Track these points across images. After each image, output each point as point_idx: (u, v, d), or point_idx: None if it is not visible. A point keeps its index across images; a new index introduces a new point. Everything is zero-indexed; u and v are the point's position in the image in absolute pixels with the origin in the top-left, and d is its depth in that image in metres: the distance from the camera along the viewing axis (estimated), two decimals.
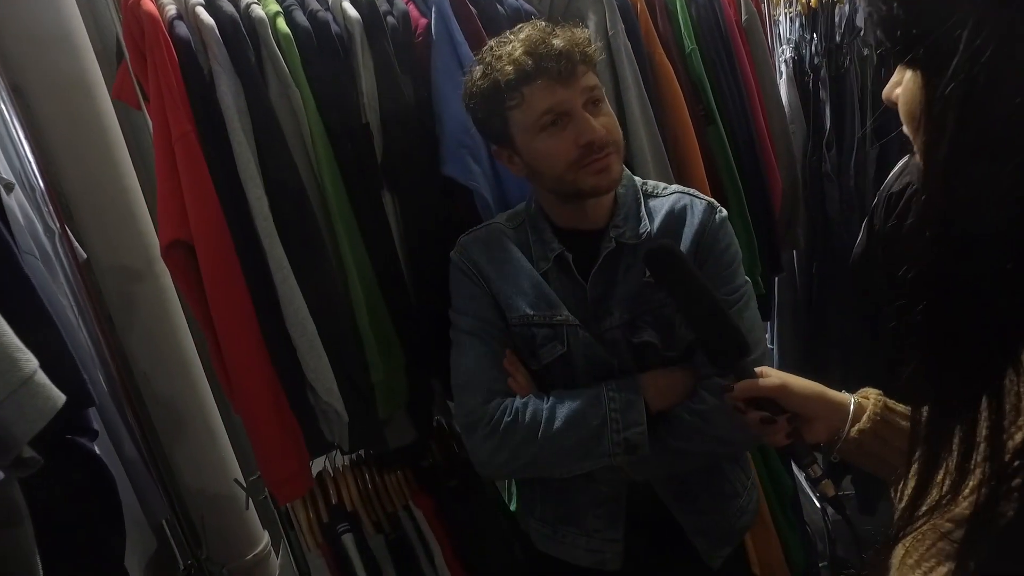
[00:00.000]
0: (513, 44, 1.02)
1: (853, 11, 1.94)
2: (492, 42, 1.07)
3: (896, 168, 1.54)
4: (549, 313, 1.09)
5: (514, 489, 1.51)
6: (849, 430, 0.83)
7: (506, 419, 1.05)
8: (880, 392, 0.86)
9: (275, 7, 1.19)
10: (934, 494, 0.42)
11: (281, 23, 1.16)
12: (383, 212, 1.28)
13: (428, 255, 1.30)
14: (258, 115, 1.13)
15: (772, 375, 0.88)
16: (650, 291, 1.07)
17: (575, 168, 1.02)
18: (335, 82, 1.21)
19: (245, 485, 1.46)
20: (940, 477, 0.42)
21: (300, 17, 1.19)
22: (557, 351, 1.09)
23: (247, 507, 1.64)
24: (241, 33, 1.12)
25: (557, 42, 0.99)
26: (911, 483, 0.43)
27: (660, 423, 1.06)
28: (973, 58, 0.32)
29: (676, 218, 1.10)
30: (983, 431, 0.38)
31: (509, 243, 1.14)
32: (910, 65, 0.40)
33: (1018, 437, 0.38)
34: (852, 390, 0.88)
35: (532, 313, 1.09)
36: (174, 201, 1.10)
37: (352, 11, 1.22)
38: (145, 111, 1.20)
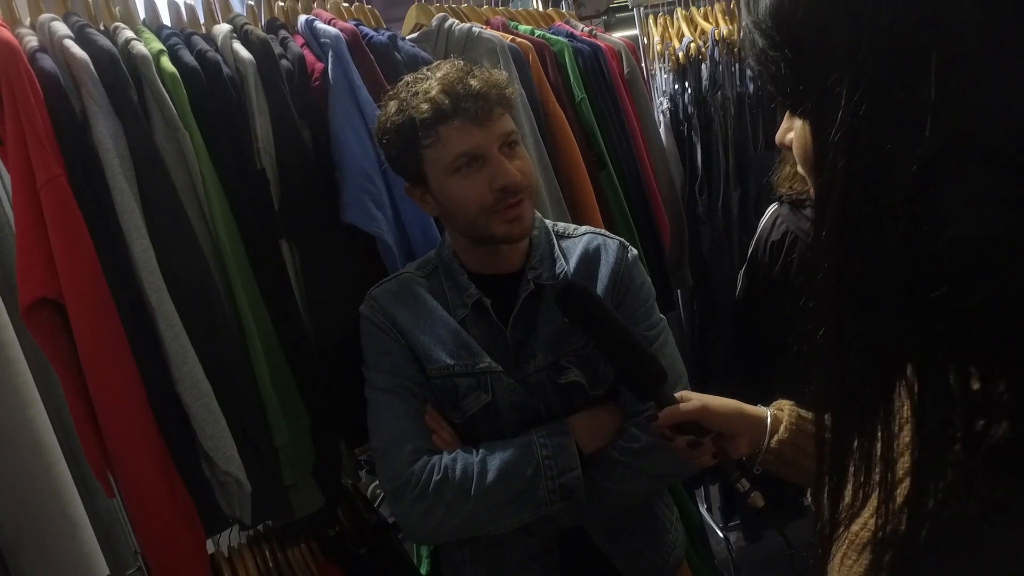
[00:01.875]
0: (430, 82, 1.00)
1: (714, 66, 2.12)
2: (409, 77, 1.05)
3: (767, 216, 1.68)
4: (470, 362, 1.06)
5: (423, 552, 1.43)
6: (768, 442, 0.87)
7: (435, 478, 0.99)
8: (793, 403, 0.91)
9: (158, 45, 1.10)
10: (848, 503, 0.44)
11: (166, 62, 1.08)
12: (282, 262, 1.21)
13: (331, 306, 1.23)
14: (142, 159, 1.03)
15: (692, 398, 0.91)
16: (572, 331, 1.07)
17: (488, 212, 1.01)
18: (227, 125, 1.13)
19: None
20: (852, 487, 0.44)
21: (187, 56, 1.11)
22: (481, 400, 1.05)
23: None
24: (121, 70, 1.02)
25: (475, 83, 0.98)
26: (826, 493, 0.45)
27: (593, 465, 1.04)
28: (853, 111, 0.35)
29: (591, 258, 1.12)
30: (878, 449, 0.41)
31: (423, 292, 1.10)
32: (800, 116, 0.44)
33: (904, 457, 0.41)
34: None
35: (453, 363, 1.06)
36: (39, 254, 0.97)
37: (244, 52, 1.16)
38: None
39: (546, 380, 1.07)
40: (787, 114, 0.49)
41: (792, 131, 0.48)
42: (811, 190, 0.47)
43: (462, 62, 1.04)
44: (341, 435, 1.30)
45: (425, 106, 0.98)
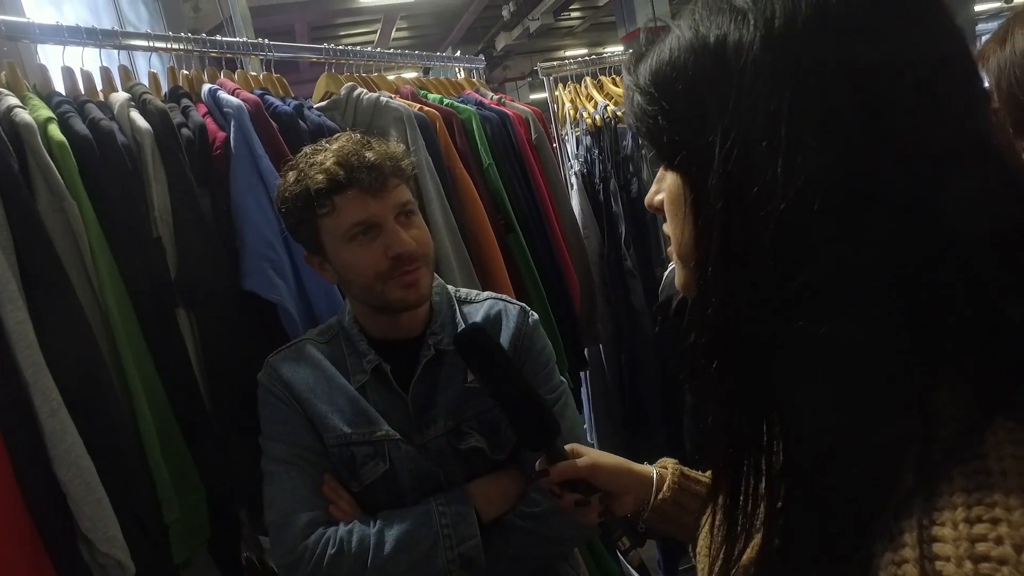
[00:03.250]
0: (325, 153, 1.02)
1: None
2: (307, 148, 1.07)
3: (667, 273, 1.76)
4: (368, 430, 1.05)
5: None
6: (653, 500, 0.88)
7: (330, 551, 0.97)
8: (676, 461, 0.94)
9: (46, 112, 1.09)
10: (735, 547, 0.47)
11: (54, 130, 1.07)
12: (177, 331, 1.18)
13: (231, 375, 1.21)
14: (22, 229, 1.00)
15: (583, 454, 0.91)
16: (473, 395, 1.08)
17: (383, 279, 1.02)
18: (121, 194, 1.12)
19: None
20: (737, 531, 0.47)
21: (79, 125, 1.10)
22: (380, 469, 1.04)
23: None
24: (1, 139, 1.01)
25: (370, 155, 1.01)
26: (717, 538, 0.48)
27: (493, 531, 1.04)
28: (726, 157, 0.40)
29: (493, 322, 1.14)
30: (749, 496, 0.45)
31: (322, 359, 1.10)
32: (675, 168, 0.49)
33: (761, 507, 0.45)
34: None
35: (350, 431, 1.05)
36: None
37: (141, 122, 1.16)
38: None
39: (447, 446, 1.08)
40: (656, 177, 0.53)
41: (661, 192, 0.52)
42: (672, 246, 0.51)
43: (359, 134, 1.07)
44: (241, 505, 1.26)
45: (320, 176, 1.00)
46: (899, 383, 0.39)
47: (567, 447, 0.92)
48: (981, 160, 0.39)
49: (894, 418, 0.38)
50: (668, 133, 0.45)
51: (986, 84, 1.30)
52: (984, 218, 0.38)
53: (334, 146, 1.04)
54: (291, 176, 1.05)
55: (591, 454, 0.91)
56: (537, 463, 0.91)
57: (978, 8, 8.79)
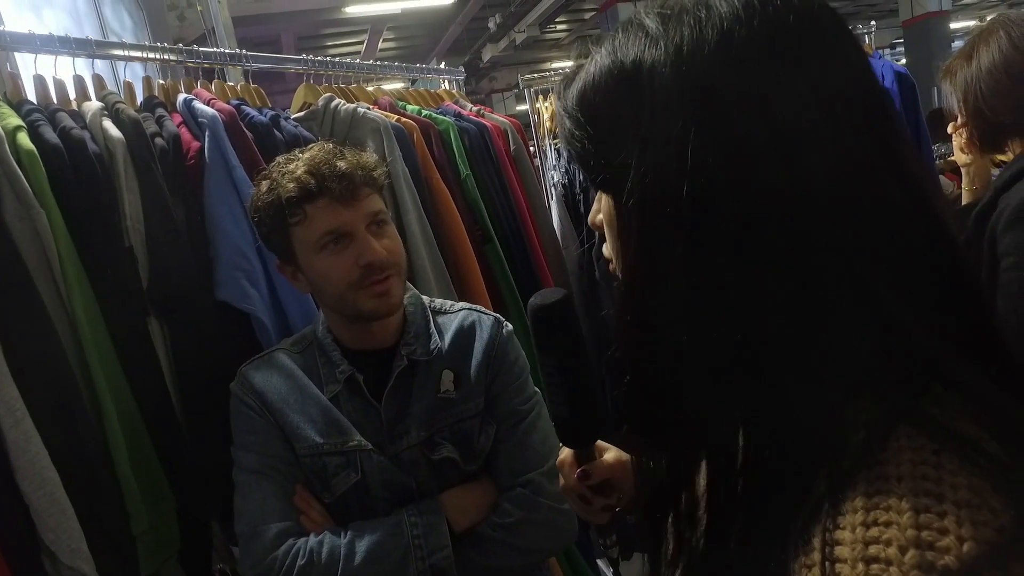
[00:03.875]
0: (297, 163, 1.03)
1: None
2: (280, 158, 1.08)
3: None
4: (340, 440, 1.05)
5: None
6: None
7: (300, 562, 0.97)
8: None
9: (15, 120, 1.09)
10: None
11: (23, 138, 1.06)
12: (148, 341, 1.18)
13: (203, 385, 1.20)
14: None
15: (606, 449, 0.80)
16: (447, 406, 1.08)
17: (355, 288, 1.03)
18: (92, 203, 1.12)
19: None
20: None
21: (49, 134, 1.10)
22: (351, 479, 1.04)
23: None
24: None
25: (341, 164, 1.02)
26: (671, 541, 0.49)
27: (466, 542, 1.04)
28: (642, 178, 0.42)
29: (466, 333, 1.14)
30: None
31: (295, 369, 1.10)
32: (601, 188, 0.50)
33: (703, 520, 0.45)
34: None
35: (322, 441, 1.05)
36: None
37: (114, 131, 1.16)
38: None
39: (419, 456, 1.07)
40: (598, 195, 0.54)
41: (601, 211, 0.53)
42: (614, 263, 0.52)
43: (332, 144, 1.08)
44: (213, 516, 1.25)
45: (291, 185, 1.01)
46: (812, 394, 0.39)
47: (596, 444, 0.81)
48: (887, 180, 0.40)
49: (809, 429, 0.39)
50: (593, 156, 0.47)
51: (952, 99, 1.33)
52: (881, 232, 0.39)
53: (306, 155, 1.04)
54: (264, 185, 1.05)
55: (611, 449, 0.82)
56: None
57: (954, 26, 8.97)
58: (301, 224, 1.03)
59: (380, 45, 10.09)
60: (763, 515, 0.41)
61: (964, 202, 1.56)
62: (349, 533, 1.01)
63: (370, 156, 1.08)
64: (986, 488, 0.34)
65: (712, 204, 0.40)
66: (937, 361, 0.39)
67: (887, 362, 0.39)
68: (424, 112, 1.79)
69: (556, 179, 2.32)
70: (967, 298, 0.42)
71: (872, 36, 3.03)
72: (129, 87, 1.38)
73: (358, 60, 1.92)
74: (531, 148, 2.22)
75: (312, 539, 1.00)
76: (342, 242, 1.03)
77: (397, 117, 1.62)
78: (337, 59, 1.83)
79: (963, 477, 0.35)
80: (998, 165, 1.39)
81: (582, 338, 0.77)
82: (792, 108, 0.39)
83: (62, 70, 1.27)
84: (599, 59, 0.46)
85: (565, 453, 0.80)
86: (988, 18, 1.27)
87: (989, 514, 0.33)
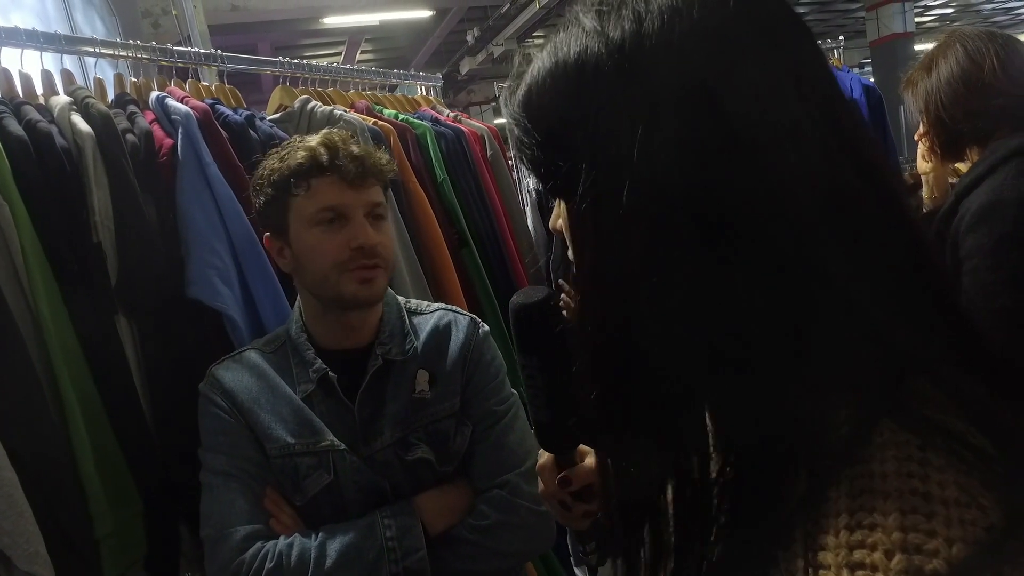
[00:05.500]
0: (313, 137, 1.05)
1: None
2: (296, 137, 1.10)
3: None
4: (312, 440, 1.03)
5: None
6: None
7: (268, 565, 0.94)
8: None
9: None
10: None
11: None
12: (116, 339, 1.15)
13: (173, 384, 1.18)
14: None
15: (587, 453, 0.79)
16: (421, 406, 1.07)
17: (340, 270, 1.02)
18: (59, 198, 1.09)
19: None
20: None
21: (13, 126, 1.08)
22: (323, 480, 1.02)
23: None
24: None
25: (355, 149, 1.04)
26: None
27: (441, 545, 1.02)
28: (593, 182, 0.41)
29: (441, 333, 1.13)
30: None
31: (266, 368, 1.08)
32: (555, 195, 0.49)
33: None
34: None
35: (293, 442, 1.03)
36: None
37: (83, 125, 1.14)
38: None
39: (394, 457, 1.06)
40: (556, 200, 0.53)
41: (561, 216, 0.52)
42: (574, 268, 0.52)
43: (348, 133, 1.10)
44: (180, 519, 1.22)
45: (302, 154, 1.02)
46: (788, 391, 0.38)
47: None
48: (845, 166, 0.39)
49: (788, 427, 0.38)
50: (543, 163, 0.45)
51: (913, 109, 1.37)
52: (845, 220, 0.38)
53: (322, 132, 1.07)
54: (273, 157, 1.07)
55: (592, 453, 0.79)
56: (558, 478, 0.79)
57: (918, 48, 9.23)
58: (302, 195, 1.03)
59: (358, 56, 10.09)
60: (742, 518, 0.39)
61: (924, 211, 1.59)
62: (320, 535, 0.99)
63: (384, 154, 1.10)
64: (974, 485, 0.33)
65: (666, 203, 0.38)
66: (917, 355, 0.37)
67: (866, 357, 0.37)
68: (401, 116, 1.79)
69: (532, 185, 2.33)
70: (941, 292, 0.41)
71: (840, 51, 3.10)
72: (100, 84, 1.36)
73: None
74: (508, 158, 2.23)
75: (281, 542, 0.98)
76: (338, 222, 1.03)
77: (374, 120, 1.62)
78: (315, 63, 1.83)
79: (950, 474, 0.33)
80: (956, 176, 1.43)
81: (565, 339, 0.73)
82: (740, 100, 0.38)
83: (29, 65, 1.25)
84: (541, 61, 0.45)
85: (545, 458, 0.77)
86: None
87: (978, 512, 0.32)
